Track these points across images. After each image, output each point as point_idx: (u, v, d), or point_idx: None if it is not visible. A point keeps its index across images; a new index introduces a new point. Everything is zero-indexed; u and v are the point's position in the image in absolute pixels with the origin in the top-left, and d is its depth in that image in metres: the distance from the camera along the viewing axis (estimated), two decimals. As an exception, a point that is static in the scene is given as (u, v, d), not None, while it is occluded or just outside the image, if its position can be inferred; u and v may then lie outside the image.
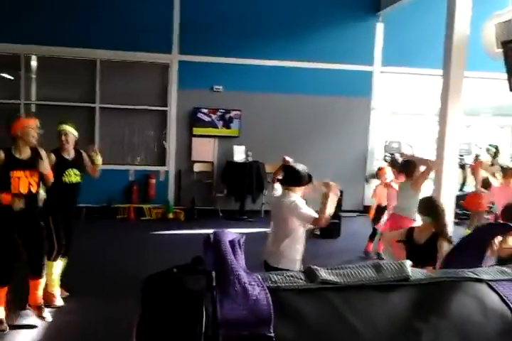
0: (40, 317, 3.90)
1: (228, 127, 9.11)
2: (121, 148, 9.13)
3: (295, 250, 3.40)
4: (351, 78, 9.25)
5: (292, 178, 3.46)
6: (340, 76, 9.22)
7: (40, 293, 3.94)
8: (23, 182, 3.67)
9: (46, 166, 3.81)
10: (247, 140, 9.00)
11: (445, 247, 3.37)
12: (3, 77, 8.78)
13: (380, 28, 9.36)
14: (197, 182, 9.04)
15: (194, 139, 9.08)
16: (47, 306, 4.02)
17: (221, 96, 8.99)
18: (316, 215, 3.26)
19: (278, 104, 9.11)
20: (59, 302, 4.19)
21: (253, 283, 0.57)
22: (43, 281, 3.93)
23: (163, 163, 9.16)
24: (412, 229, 3.70)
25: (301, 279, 0.62)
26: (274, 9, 9.01)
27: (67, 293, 4.39)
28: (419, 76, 9.58)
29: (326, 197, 3.26)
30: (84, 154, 4.46)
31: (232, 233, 0.64)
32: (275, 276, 0.61)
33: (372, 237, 6.32)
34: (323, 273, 0.63)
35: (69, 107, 8.77)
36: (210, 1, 8.80)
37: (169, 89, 8.95)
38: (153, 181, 8.91)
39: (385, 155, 8.74)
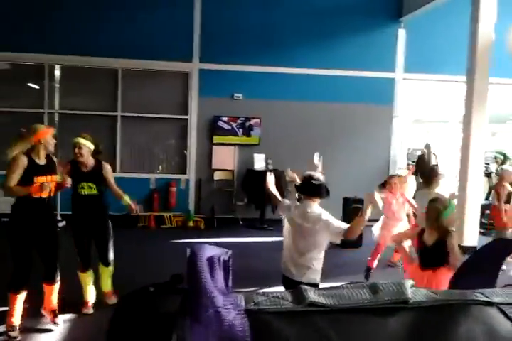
0: (54, 322, 3.95)
1: (248, 135, 9.08)
2: (143, 157, 9.19)
3: (320, 261, 3.31)
4: (373, 85, 9.14)
5: (313, 190, 3.36)
6: (362, 83, 9.12)
7: (54, 298, 3.98)
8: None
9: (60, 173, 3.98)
10: (267, 148, 8.96)
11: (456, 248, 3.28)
12: (29, 87, 8.95)
13: (402, 34, 9.25)
14: (217, 190, 9.02)
15: (214, 147, 9.08)
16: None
17: (241, 104, 8.99)
18: (346, 226, 3.16)
19: (298, 111, 9.05)
20: (88, 310, 4.27)
21: (228, 307, 0.51)
22: (56, 287, 3.97)
23: (183, 171, 9.18)
24: (422, 231, 3.60)
25: (287, 300, 0.55)
26: (294, 17, 8.99)
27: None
28: (443, 82, 9.42)
29: (364, 210, 3.14)
30: (105, 166, 4.38)
31: (214, 249, 0.58)
32: (259, 297, 0.55)
33: None
34: (312, 294, 0.56)
35: (91, 116, 8.89)
36: (230, 10, 8.83)
37: (189, 97, 8.99)
38: (174, 189, 8.93)
39: (408, 163, 8.58)
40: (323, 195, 3.37)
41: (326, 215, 3.25)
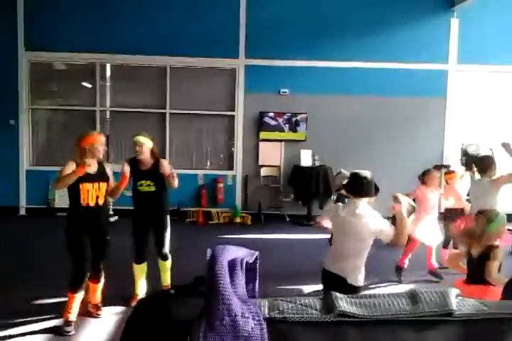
0: (97, 314, 4.13)
1: (295, 131, 9.00)
2: (191, 153, 9.30)
3: (360, 267, 3.20)
4: (424, 78, 8.83)
5: (361, 188, 3.21)
6: (413, 76, 8.84)
7: (98, 294, 4.18)
8: (91, 195, 3.86)
9: (111, 181, 4.07)
10: (314, 144, 8.85)
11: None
12: (82, 85, 9.25)
13: (455, 24, 8.86)
14: (264, 186, 9.01)
15: (261, 143, 9.06)
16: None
17: (288, 100, 8.91)
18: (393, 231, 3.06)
19: (346, 106, 8.88)
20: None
21: (247, 315, 0.46)
22: (100, 285, 4.17)
23: (231, 168, 9.22)
24: (470, 245, 3.42)
25: (316, 309, 0.50)
26: (340, 9, 8.81)
27: None
28: (499, 74, 8.97)
29: (399, 214, 3.07)
30: (161, 163, 4.42)
31: (237, 250, 0.54)
32: (285, 304, 0.51)
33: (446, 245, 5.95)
34: (343, 303, 0.51)
35: (141, 113, 9.08)
36: (275, 4, 8.76)
37: (236, 93, 9.01)
38: (221, 185, 8.99)
39: (462, 159, 8.22)
40: (371, 194, 3.24)
41: (374, 220, 3.13)
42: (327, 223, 3.49)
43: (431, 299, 0.52)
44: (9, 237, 6.59)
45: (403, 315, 0.50)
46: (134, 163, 4.40)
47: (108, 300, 4.34)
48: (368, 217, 3.12)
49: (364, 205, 3.21)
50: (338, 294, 0.53)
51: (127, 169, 4.24)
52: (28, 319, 3.98)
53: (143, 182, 4.38)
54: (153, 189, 4.39)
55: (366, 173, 3.27)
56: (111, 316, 4.17)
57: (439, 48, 8.91)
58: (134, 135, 4.52)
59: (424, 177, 5.48)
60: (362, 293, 3.20)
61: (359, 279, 3.14)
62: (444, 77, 8.99)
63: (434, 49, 8.89)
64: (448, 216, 6.00)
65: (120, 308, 4.31)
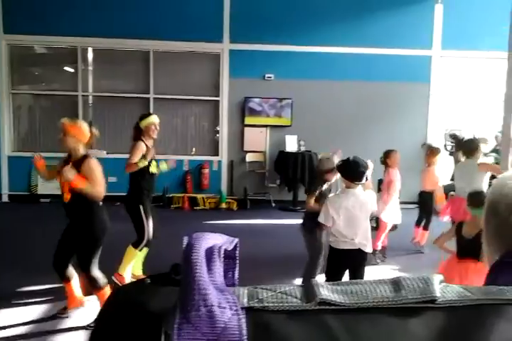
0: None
1: (280, 116, 8.97)
2: (175, 138, 9.22)
3: None
4: (408, 63, 8.83)
5: (357, 174, 3.44)
6: (397, 61, 8.83)
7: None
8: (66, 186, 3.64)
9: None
10: (299, 129, 8.84)
11: None
12: (63, 70, 9.07)
13: (439, 9, 8.84)
14: (249, 172, 9.00)
15: (246, 129, 9.02)
16: None
17: (272, 85, 8.86)
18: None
19: (331, 91, 8.86)
20: None
21: (224, 305, 0.45)
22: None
23: (216, 153, 9.18)
24: (461, 224, 3.48)
25: (296, 298, 0.49)
26: (326, -7, 8.73)
27: None
28: (483, 59, 9.01)
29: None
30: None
31: (215, 237, 0.52)
32: (264, 293, 0.49)
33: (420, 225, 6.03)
34: (325, 291, 0.49)
35: (124, 98, 8.95)
36: (261, -12, 8.65)
37: (221, 78, 8.92)
38: (207, 171, 8.96)
39: (445, 144, 8.28)
40: (363, 180, 3.48)
41: (372, 196, 3.68)
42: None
43: (414, 285, 0.51)
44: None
45: (385, 302, 0.49)
46: (145, 144, 4.40)
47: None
48: (369, 195, 3.60)
49: (359, 189, 3.54)
50: (318, 281, 0.51)
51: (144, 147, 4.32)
52: (15, 307, 3.94)
53: (153, 161, 4.42)
54: (156, 170, 4.47)
55: (360, 160, 3.48)
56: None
57: (423, 34, 8.90)
58: (147, 115, 4.64)
59: (386, 159, 5.49)
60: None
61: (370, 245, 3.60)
62: (428, 63, 9.00)
63: (418, 34, 8.88)
64: (422, 198, 6.05)
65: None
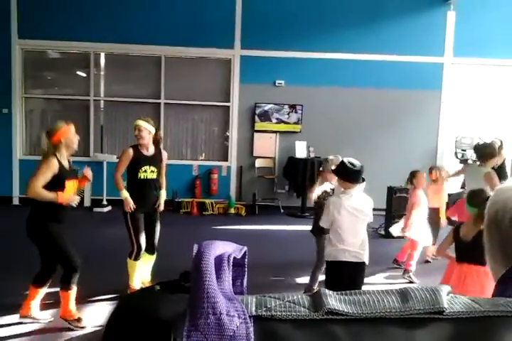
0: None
1: (290, 122, 8.98)
2: (185, 143, 9.27)
3: None
4: (420, 70, 8.81)
5: (352, 174, 3.44)
6: (409, 68, 8.81)
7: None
8: (71, 191, 3.66)
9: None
10: (309, 135, 8.83)
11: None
12: (76, 75, 9.16)
13: (451, 16, 8.82)
14: (258, 177, 9.00)
15: (256, 135, 9.04)
16: None
17: (283, 91, 8.88)
18: None
19: (341, 98, 8.86)
20: None
21: (232, 313, 0.45)
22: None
23: (225, 159, 9.20)
24: (458, 227, 3.42)
25: (304, 307, 0.49)
26: (337, 0, 8.75)
27: None
28: (495, 67, 8.96)
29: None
30: (164, 153, 4.42)
31: (225, 245, 0.53)
32: (273, 301, 0.49)
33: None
34: (332, 300, 0.50)
35: (135, 103, 9.02)
36: (272, -5, 8.69)
37: (231, 84, 8.96)
38: (216, 176, 8.98)
39: (456, 152, 8.22)
40: (359, 181, 3.48)
41: (371, 202, 3.57)
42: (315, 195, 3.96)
43: (422, 296, 0.51)
44: (3, 227, 6.56)
45: (393, 312, 0.49)
46: (136, 149, 4.22)
47: (103, 288, 4.34)
48: (367, 198, 3.56)
49: (358, 190, 3.52)
50: (326, 291, 0.51)
51: (130, 153, 4.16)
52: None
53: (146, 167, 4.20)
54: (155, 176, 4.27)
55: (356, 162, 3.47)
56: (107, 306, 4.15)
57: (435, 41, 8.88)
58: (137, 118, 4.42)
59: (413, 179, 5.41)
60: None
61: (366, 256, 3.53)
62: (440, 70, 8.97)
63: (429, 41, 8.86)
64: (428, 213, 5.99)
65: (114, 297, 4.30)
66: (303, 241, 6.67)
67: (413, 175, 5.43)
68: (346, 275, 3.47)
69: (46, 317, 3.81)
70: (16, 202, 8.88)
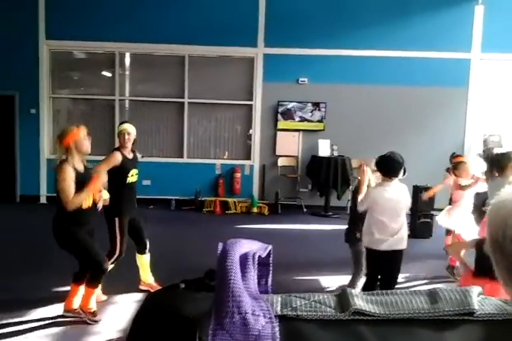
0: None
1: (313, 120, 8.93)
2: (208, 142, 9.31)
3: None
4: (446, 67, 8.65)
5: (396, 169, 3.60)
6: (435, 64, 8.67)
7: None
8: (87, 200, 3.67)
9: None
10: (333, 134, 8.77)
11: None
12: (102, 75, 9.30)
13: (479, 10, 8.62)
14: (281, 176, 8.98)
15: (279, 133, 9.02)
16: None
17: (306, 89, 8.83)
18: None
19: (365, 95, 8.76)
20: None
21: (258, 313, 0.45)
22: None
23: (248, 157, 9.21)
24: (483, 240, 3.31)
25: (330, 307, 0.48)
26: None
27: None
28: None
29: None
30: (138, 155, 4.50)
31: (250, 244, 0.52)
32: (298, 301, 0.49)
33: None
34: (359, 301, 0.49)
35: (159, 102, 9.10)
36: (295, -8, 8.66)
37: (254, 82, 8.96)
38: (239, 175, 9.00)
39: (484, 150, 8.05)
40: (399, 175, 3.63)
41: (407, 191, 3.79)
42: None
43: (451, 297, 0.50)
44: (31, 225, 6.70)
45: (421, 313, 0.48)
46: (121, 152, 4.19)
47: (128, 286, 4.40)
48: (406, 190, 3.73)
49: (396, 183, 3.66)
50: (352, 291, 0.51)
51: (118, 157, 4.11)
52: (48, 306, 4.04)
53: (133, 171, 4.26)
54: (137, 179, 4.35)
55: (398, 155, 3.63)
56: (131, 303, 4.20)
57: (461, 36, 8.71)
58: (121, 123, 4.47)
59: (455, 170, 5.28)
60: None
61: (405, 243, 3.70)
62: (467, 66, 8.80)
63: (456, 37, 8.69)
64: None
65: (139, 295, 4.35)
66: (326, 240, 6.66)
67: (456, 166, 5.31)
68: (381, 263, 3.66)
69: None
70: (43, 200, 9.06)
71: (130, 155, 4.29)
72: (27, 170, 8.94)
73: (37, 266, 5.06)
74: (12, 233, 6.57)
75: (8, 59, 8.66)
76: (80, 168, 3.62)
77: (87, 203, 3.64)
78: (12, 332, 3.58)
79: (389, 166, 3.60)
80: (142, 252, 4.43)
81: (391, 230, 3.60)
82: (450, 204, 5.61)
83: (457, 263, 4.96)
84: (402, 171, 3.62)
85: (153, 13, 8.68)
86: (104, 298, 4.26)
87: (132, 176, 4.26)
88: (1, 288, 4.39)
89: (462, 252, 3.43)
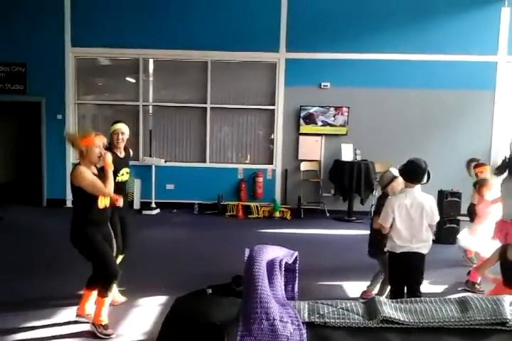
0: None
1: (336, 125, 8.88)
2: (231, 147, 9.34)
3: None
4: (472, 70, 8.51)
5: (415, 173, 3.55)
6: (460, 68, 8.53)
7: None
8: (105, 199, 3.71)
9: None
10: (356, 138, 8.70)
11: None
12: (126, 81, 9.43)
13: (506, 12, 8.46)
14: (303, 181, 8.95)
15: (301, 138, 9.00)
16: None
17: (329, 93, 8.79)
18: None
19: (389, 99, 8.68)
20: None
21: (286, 319, 0.45)
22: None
23: (270, 162, 9.21)
24: (505, 247, 3.22)
25: (358, 314, 0.48)
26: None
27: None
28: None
29: None
30: (130, 151, 4.51)
31: (276, 250, 0.52)
32: (326, 308, 0.49)
33: None
34: (388, 308, 0.48)
35: (183, 108, 9.18)
36: (317, -3, 8.64)
37: (277, 87, 8.96)
38: (261, 179, 9.00)
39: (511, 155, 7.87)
40: (422, 181, 3.57)
41: (434, 200, 3.67)
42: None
43: (483, 306, 0.49)
44: (56, 229, 6.83)
45: (451, 322, 0.47)
46: (111, 152, 4.11)
47: (152, 290, 4.42)
48: (430, 198, 3.64)
49: (418, 189, 3.59)
50: (381, 298, 0.50)
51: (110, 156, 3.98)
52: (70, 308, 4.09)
53: (123, 170, 4.25)
54: (127, 178, 4.33)
55: (421, 161, 3.60)
56: (155, 306, 4.22)
57: (487, 38, 8.56)
58: (115, 122, 4.42)
59: (481, 188, 5.14)
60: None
61: (428, 247, 3.64)
62: (493, 69, 8.64)
63: (482, 39, 8.54)
64: (469, 209, 5.68)
65: (163, 298, 4.37)
66: (349, 245, 6.59)
67: (481, 183, 5.16)
68: (406, 267, 3.64)
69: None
70: (69, 204, 9.19)
71: (122, 154, 4.32)
72: (53, 174, 9.10)
73: (61, 269, 5.13)
74: (38, 236, 6.70)
75: (36, 66, 8.87)
76: (93, 170, 3.69)
77: (103, 203, 3.68)
78: (34, 333, 3.64)
79: (412, 171, 3.57)
80: (122, 253, 4.35)
81: (410, 236, 3.57)
82: (471, 220, 5.45)
83: (478, 280, 4.82)
84: (425, 177, 3.57)
85: (176, 19, 8.78)
86: (123, 299, 4.28)
87: (122, 175, 4.27)
88: (25, 290, 4.47)
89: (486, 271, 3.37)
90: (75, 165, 3.68)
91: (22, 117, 10.93)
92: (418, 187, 3.59)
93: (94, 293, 3.82)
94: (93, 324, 3.69)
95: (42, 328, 3.73)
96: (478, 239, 4.95)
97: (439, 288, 4.94)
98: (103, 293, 3.68)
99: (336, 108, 8.80)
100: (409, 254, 3.57)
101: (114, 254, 3.96)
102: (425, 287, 4.91)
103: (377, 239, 4.02)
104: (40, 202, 9.19)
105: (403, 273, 3.65)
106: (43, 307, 4.07)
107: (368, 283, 4.46)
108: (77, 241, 3.67)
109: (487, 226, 4.93)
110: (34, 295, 4.35)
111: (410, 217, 3.56)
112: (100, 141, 3.67)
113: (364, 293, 4.45)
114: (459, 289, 4.87)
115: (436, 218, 3.62)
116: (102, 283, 3.69)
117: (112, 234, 3.92)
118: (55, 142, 9.03)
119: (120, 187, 4.20)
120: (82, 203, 3.65)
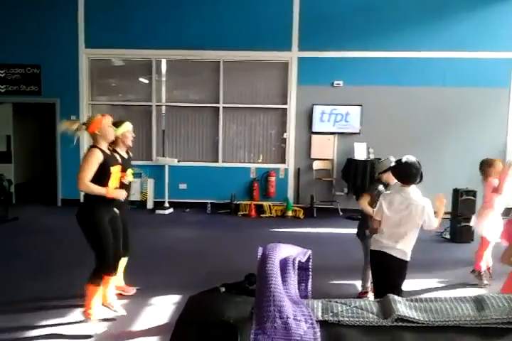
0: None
1: (348, 123, 8.83)
2: (243, 146, 9.36)
3: (412, 244, 3.43)
4: (487, 67, 8.42)
5: (408, 174, 3.36)
6: (475, 65, 8.45)
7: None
8: (116, 177, 3.81)
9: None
10: (369, 136, 8.66)
11: None
12: (139, 81, 9.49)
13: (521, 9, 8.37)
14: (316, 180, 8.93)
15: (313, 136, 8.97)
16: None
17: (341, 92, 8.76)
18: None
19: (402, 97, 8.62)
20: None
21: (299, 318, 0.44)
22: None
23: (283, 161, 9.20)
24: None
25: (372, 313, 0.48)
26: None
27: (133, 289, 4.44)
28: None
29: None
30: (130, 152, 4.55)
31: (289, 248, 0.52)
32: (339, 306, 0.48)
33: None
34: (402, 307, 0.48)
35: (195, 108, 9.22)
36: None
37: (289, 86, 8.95)
38: (274, 179, 9.00)
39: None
40: (414, 181, 3.38)
41: (429, 204, 3.33)
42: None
43: (499, 305, 0.48)
44: (71, 228, 6.89)
45: (467, 321, 0.47)
46: (117, 152, 4.16)
47: (165, 288, 4.45)
48: (423, 201, 3.34)
49: (414, 190, 3.38)
50: (395, 297, 0.50)
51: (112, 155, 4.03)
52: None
53: (128, 171, 4.25)
54: (131, 178, 4.33)
55: (414, 161, 3.40)
56: (169, 305, 4.24)
57: (503, 35, 8.46)
58: (121, 122, 4.42)
59: (489, 169, 5.08)
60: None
61: (409, 255, 3.40)
62: (509, 66, 8.53)
63: (497, 36, 8.45)
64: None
65: (177, 296, 4.39)
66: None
67: (490, 163, 5.09)
68: (377, 265, 3.53)
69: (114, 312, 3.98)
70: (83, 204, 9.29)
71: (126, 155, 4.34)
72: (68, 174, 9.18)
73: (75, 267, 5.18)
74: (53, 235, 6.77)
75: (50, 68, 8.97)
76: (107, 152, 3.74)
77: (114, 185, 3.72)
78: (48, 330, 3.68)
79: (405, 172, 3.37)
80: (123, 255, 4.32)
81: (389, 235, 3.41)
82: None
83: (483, 269, 4.82)
84: (418, 178, 3.37)
85: (188, 20, 8.82)
86: (133, 291, 4.31)
87: (128, 175, 4.27)
88: (40, 288, 4.52)
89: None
90: (91, 147, 3.72)
91: (37, 118, 11.07)
92: (414, 187, 3.40)
93: (109, 279, 3.86)
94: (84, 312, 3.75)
95: (55, 326, 3.77)
96: (486, 223, 4.87)
97: (454, 287, 4.90)
98: (93, 280, 3.69)
99: (350, 106, 8.76)
100: (386, 255, 3.40)
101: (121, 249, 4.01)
102: (440, 286, 4.89)
103: (365, 221, 4.01)
104: (54, 201, 9.29)
105: (378, 270, 3.53)
106: (58, 307, 4.11)
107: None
108: (83, 218, 3.68)
109: (495, 210, 4.87)
110: (50, 294, 4.40)
111: (396, 215, 3.38)
112: (109, 119, 3.77)
113: (360, 293, 4.49)
114: (467, 285, 4.86)
115: (434, 224, 3.36)
116: (94, 270, 3.71)
117: (120, 220, 3.95)
118: (69, 142, 9.11)
119: (125, 188, 4.18)
120: (94, 180, 3.65)
